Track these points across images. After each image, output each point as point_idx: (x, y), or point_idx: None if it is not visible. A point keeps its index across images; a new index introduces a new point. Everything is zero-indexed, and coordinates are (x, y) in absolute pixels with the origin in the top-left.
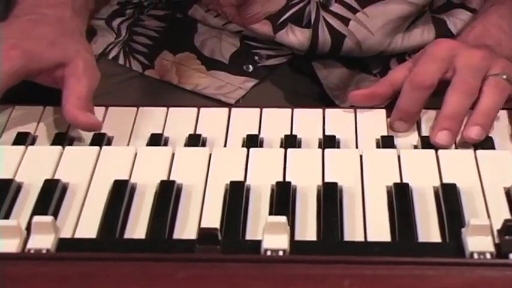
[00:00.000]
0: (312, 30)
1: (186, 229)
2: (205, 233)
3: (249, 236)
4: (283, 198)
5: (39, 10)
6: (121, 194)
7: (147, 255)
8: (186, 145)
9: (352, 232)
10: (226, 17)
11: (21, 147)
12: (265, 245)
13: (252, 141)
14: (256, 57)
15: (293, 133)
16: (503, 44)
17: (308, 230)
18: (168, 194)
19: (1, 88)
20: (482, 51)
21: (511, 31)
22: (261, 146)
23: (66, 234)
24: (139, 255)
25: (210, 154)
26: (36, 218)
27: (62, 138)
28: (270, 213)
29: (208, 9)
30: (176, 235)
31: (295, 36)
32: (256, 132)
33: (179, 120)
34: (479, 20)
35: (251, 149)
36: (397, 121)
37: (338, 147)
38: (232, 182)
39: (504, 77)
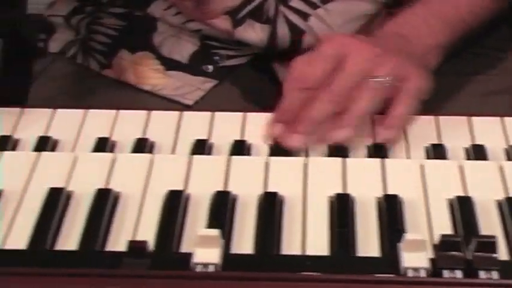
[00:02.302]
0: (271, 25)
1: (119, 241)
2: (133, 246)
3: (182, 250)
4: (219, 209)
5: None
6: (55, 202)
7: (71, 271)
8: (132, 150)
9: (290, 245)
10: (186, 11)
11: None
12: (195, 259)
13: (200, 147)
14: (217, 58)
15: (244, 138)
16: (421, 34)
17: (244, 242)
18: (103, 203)
19: None
20: (369, 51)
21: (438, 23)
22: (210, 152)
23: None
24: (63, 271)
25: (152, 161)
26: None
27: (4, 142)
28: (208, 225)
29: (169, 5)
30: (107, 247)
31: (255, 32)
32: (206, 137)
33: (129, 124)
34: (407, 9)
35: (195, 156)
36: (274, 123)
37: (286, 155)
38: (170, 191)
39: (387, 79)
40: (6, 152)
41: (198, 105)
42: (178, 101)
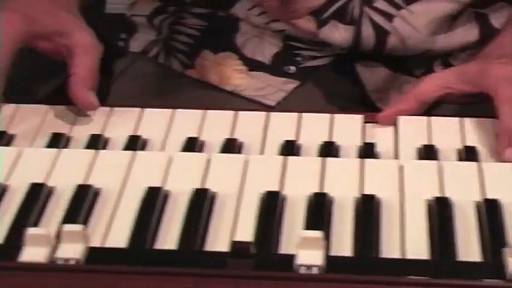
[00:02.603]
0: (355, 26)
1: (218, 241)
2: (237, 247)
3: (282, 250)
4: (319, 211)
5: None
6: (153, 202)
7: (173, 270)
8: (221, 150)
9: (389, 248)
10: (270, 11)
11: (54, 150)
12: (298, 260)
13: (289, 148)
14: (299, 58)
15: (332, 140)
16: None
17: (344, 244)
18: (200, 203)
19: (6, 52)
20: None
21: None
22: (298, 153)
23: (96, 243)
24: (165, 270)
25: (246, 161)
26: (67, 227)
27: (96, 140)
28: (306, 226)
29: (253, 5)
30: (208, 247)
31: (339, 33)
32: (294, 138)
33: (216, 124)
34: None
35: (288, 158)
36: (508, 148)
37: (377, 157)
38: (267, 192)
39: None
40: (101, 151)
41: (280, 106)
42: (260, 101)
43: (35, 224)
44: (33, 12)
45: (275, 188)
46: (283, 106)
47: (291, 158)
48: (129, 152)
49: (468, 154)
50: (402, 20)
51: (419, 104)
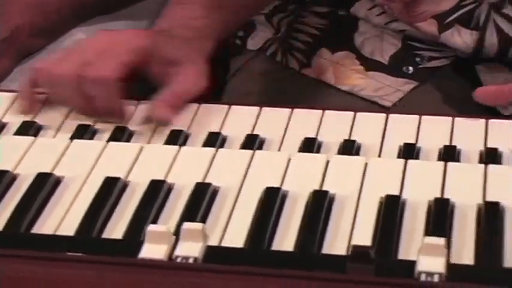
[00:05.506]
0: (480, 32)
1: (335, 244)
2: (358, 251)
3: (401, 256)
4: (441, 217)
5: (168, 31)
6: (271, 202)
7: (293, 273)
8: (340, 151)
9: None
10: (393, 13)
11: (174, 147)
12: (419, 267)
13: (409, 151)
14: (418, 59)
15: (452, 144)
16: None
17: (465, 252)
18: (320, 205)
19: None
20: None
21: None
22: (418, 156)
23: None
24: (287, 272)
25: (366, 164)
26: (186, 225)
27: (214, 138)
28: (426, 232)
29: (374, 5)
30: (326, 250)
31: (461, 38)
32: (414, 141)
33: (334, 124)
34: None
35: (409, 161)
36: None
37: (501, 162)
38: (387, 196)
39: None
40: (220, 150)
41: (397, 108)
42: (376, 102)
43: (154, 221)
44: (159, 37)
45: (395, 192)
46: (399, 108)
47: (411, 161)
48: (248, 151)
49: None
50: None
51: None
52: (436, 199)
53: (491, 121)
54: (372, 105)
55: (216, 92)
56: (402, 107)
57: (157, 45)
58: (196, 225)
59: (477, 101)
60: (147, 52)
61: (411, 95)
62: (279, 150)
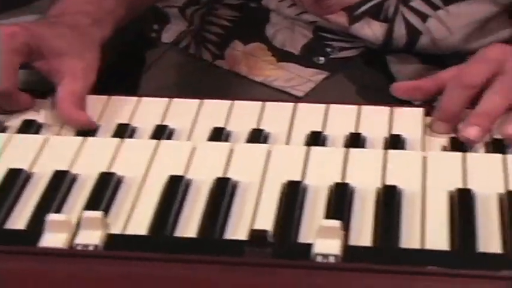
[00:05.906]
0: (389, 24)
1: (238, 229)
2: (255, 235)
3: (301, 240)
4: (340, 201)
5: (60, 17)
6: (174, 190)
7: (194, 258)
8: (247, 140)
9: (409, 239)
10: (303, 5)
11: (80, 138)
12: (316, 249)
13: (315, 139)
14: (329, 49)
15: (358, 131)
16: None
17: (363, 234)
18: (222, 192)
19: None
20: None
21: None
22: (324, 144)
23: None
24: (187, 257)
25: (270, 151)
26: (87, 213)
27: (123, 130)
28: (326, 216)
29: None
30: (228, 235)
31: (371, 29)
32: (320, 129)
33: (243, 115)
34: None
35: (312, 148)
36: (436, 122)
37: (403, 148)
38: (288, 182)
39: None
40: (126, 140)
41: (308, 97)
42: (288, 92)
43: (57, 211)
44: (38, 29)
45: (297, 178)
46: (311, 97)
47: (313, 148)
48: (153, 141)
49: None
50: (437, 20)
51: (437, 86)
52: (337, 184)
53: (396, 109)
54: (284, 96)
55: (131, 85)
56: (314, 96)
57: (41, 38)
58: (96, 214)
59: (394, 95)
60: (30, 48)
61: (323, 85)
62: (188, 140)
